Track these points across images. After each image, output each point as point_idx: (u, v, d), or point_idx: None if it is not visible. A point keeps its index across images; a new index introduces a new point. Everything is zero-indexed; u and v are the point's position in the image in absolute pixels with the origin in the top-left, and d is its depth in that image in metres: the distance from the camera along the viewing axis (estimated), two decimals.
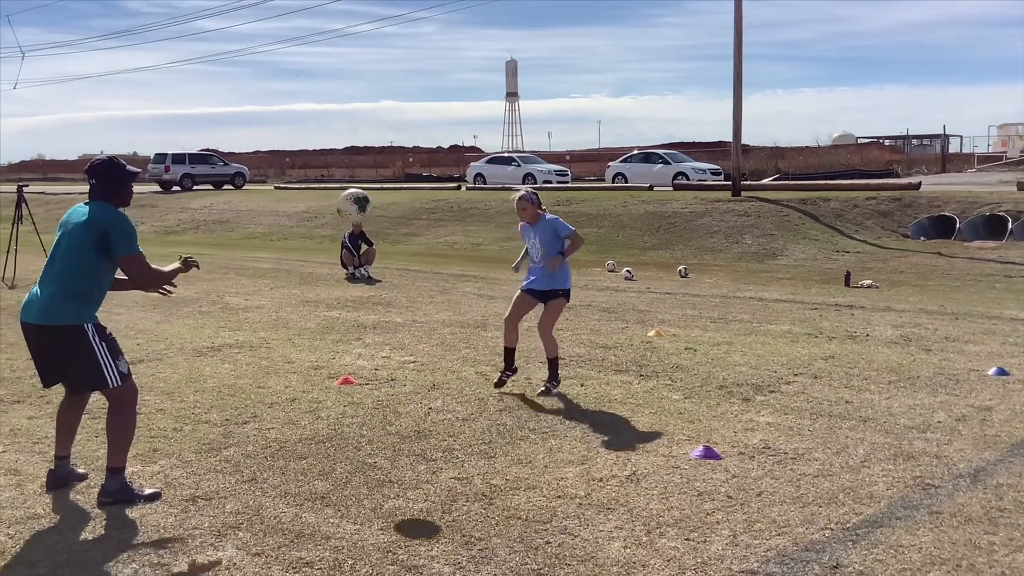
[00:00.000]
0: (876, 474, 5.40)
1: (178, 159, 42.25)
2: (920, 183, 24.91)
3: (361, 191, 8.37)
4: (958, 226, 19.53)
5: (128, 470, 5.19)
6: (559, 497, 5.08)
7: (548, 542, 4.48)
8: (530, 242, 7.47)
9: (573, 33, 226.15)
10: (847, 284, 14.48)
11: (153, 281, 5.17)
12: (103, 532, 4.66)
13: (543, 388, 7.44)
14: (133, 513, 4.88)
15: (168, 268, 5.23)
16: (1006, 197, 20.82)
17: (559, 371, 7.53)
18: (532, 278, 7.48)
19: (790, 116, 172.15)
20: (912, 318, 10.96)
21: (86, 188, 5.13)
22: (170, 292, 5.51)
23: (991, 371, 7.95)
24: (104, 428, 5.28)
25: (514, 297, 7.61)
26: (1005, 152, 56.09)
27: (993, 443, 5.98)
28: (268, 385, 7.74)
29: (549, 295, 7.43)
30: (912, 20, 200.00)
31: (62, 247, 4.98)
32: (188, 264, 5.33)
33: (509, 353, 7.53)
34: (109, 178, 5.07)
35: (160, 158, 42.29)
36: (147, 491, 5.09)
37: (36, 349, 5.02)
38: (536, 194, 7.52)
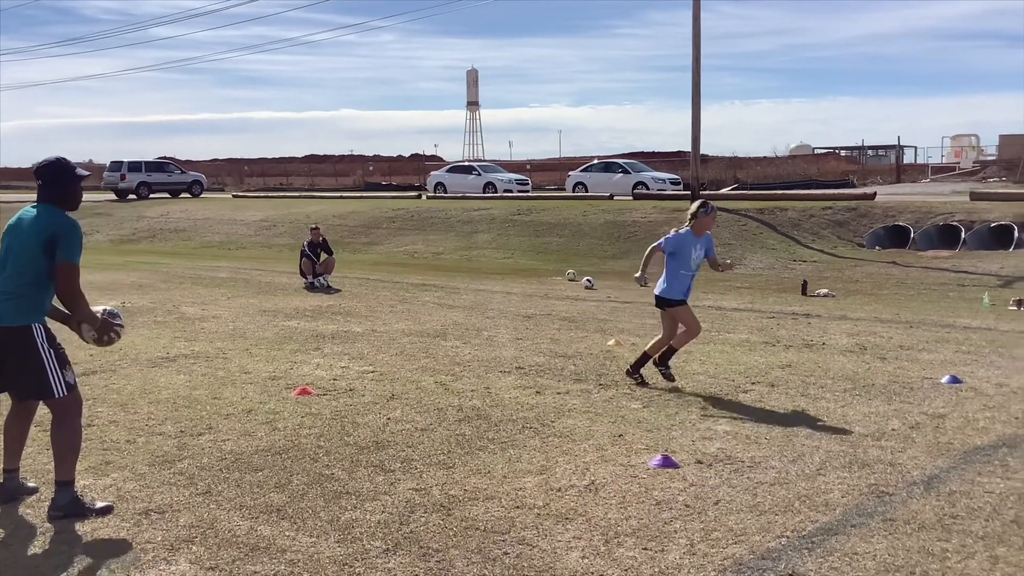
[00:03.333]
0: (831, 482, 5.45)
1: (134, 167, 41.78)
2: (875, 193, 25.28)
3: None
4: (912, 236, 19.85)
5: (79, 483, 5.10)
6: (517, 507, 5.07)
7: (506, 553, 4.46)
8: (695, 253, 8.11)
9: (533, 43, 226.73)
10: (804, 293, 14.64)
11: (78, 299, 4.91)
12: (53, 547, 4.57)
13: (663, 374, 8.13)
14: (84, 527, 4.79)
15: (91, 308, 5.03)
16: (959, 207, 21.20)
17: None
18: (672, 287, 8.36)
19: (748, 126, 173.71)
20: (867, 327, 11.10)
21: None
22: (88, 338, 5.23)
23: (944, 379, 8.06)
24: None
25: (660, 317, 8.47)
26: (958, 163, 57.16)
27: (946, 450, 6.06)
28: (224, 396, 7.65)
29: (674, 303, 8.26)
30: (867, 33, 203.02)
31: (13, 251, 4.87)
32: (107, 326, 5.09)
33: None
34: (57, 180, 4.95)
35: (116, 166, 41.79)
36: (99, 505, 5.00)
37: None
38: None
